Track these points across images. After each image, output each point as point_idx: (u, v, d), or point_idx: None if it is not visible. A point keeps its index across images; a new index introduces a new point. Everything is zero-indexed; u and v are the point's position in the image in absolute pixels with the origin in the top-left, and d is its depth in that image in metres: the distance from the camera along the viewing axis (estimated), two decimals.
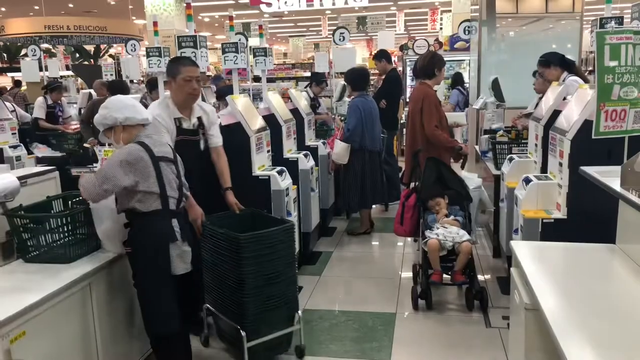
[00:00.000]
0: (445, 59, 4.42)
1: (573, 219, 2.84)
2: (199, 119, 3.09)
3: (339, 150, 4.79)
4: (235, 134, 3.49)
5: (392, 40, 8.30)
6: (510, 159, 3.78)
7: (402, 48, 10.13)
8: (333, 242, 4.90)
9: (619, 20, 3.19)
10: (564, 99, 3.47)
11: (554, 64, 4.00)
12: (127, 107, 2.39)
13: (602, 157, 2.59)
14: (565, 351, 1.47)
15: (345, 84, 5.47)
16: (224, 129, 3.35)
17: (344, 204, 5.10)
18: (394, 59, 11.85)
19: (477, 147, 5.08)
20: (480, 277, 3.83)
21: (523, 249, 2.34)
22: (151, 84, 6.68)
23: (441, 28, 16.20)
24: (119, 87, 5.43)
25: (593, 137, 2.36)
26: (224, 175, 3.11)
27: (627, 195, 1.94)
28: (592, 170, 2.35)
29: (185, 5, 4.41)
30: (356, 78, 5.00)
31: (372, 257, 4.71)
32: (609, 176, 2.19)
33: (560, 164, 2.90)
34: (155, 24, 4.65)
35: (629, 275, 2.00)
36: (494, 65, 6.44)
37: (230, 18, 4.78)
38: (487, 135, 4.64)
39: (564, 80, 3.85)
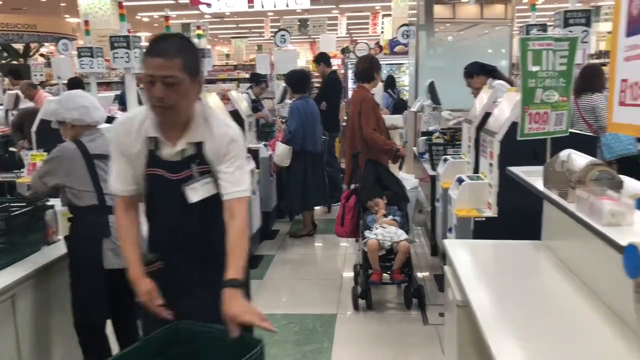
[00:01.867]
0: (385, 62, 4.51)
1: (503, 217, 2.95)
2: (198, 146, 1.78)
3: (281, 152, 4.79)
4: None
5: (333, 43, 8.40)
6: (445, 160, 3.89)
7: (344, 51, 10.25)
8: (275, 245, 4.88)
9: (543, 27, 3.36)
10: (495, 102, 3.61)
11: (476, 73, 4.22)
12: (78, 109, 2.43)
13: (529, 158, 2.72)
14: (491, 345, 1.53)
15: (286, 86, 5.47)
16: None
17: (286, 206, 5.09)
18: (337, 61, 11.98)
19: (415, 149, 5.21)
20: (419, 275, 3.93)
21: (455, 247, 2.41)
22: (70, 85, 6.42)
23: (382, 32, 16.53)
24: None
25: (518, 138, 2.47)
26: (230, 256, 1.69)
27: (548, 194, 2.04)
28: (518, 170, 2.46)
29: (122, 3, 4.25)
30: (296, 80, 5.01)
31: (314, 258, 4.73)
32: (534, 176, 2.30)
33: (491, 165, 3.02)
34: (86, 22, 4.48)
35: (553, 270, 2.10)
36: (432, 69, 6.62)
37: (167, 18, 4.66)
38: (424, 137, 4.77)
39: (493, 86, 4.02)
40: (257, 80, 6.58)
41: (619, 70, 2.01)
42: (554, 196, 1.98)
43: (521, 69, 2.38)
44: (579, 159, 1.95)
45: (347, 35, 21.07)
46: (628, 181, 2.00)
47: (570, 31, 3.07)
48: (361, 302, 3.48)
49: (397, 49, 9.15)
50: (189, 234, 1.84)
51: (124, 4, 4.65)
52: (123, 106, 6.12)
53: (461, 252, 2.36)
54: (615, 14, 2.05)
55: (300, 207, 4.96)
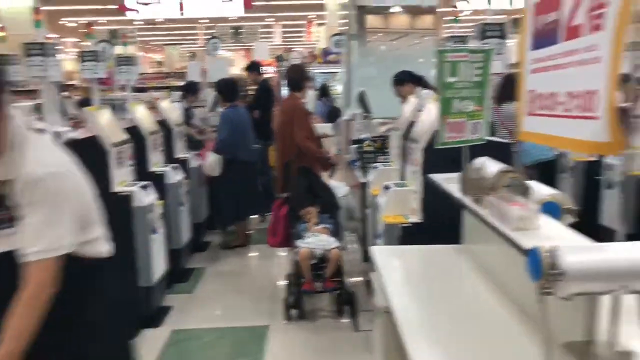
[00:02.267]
0: (319, 71, 4.58)
1: (427, 222, 3.03)
2: (9, 184, 1.47)
3: (211, 162, 4.71)
4: (91, 148, 3.25)
5: (266, 51, 8.38)
6: (375, 168, 3.97)
7: (278, 59, 10.24)
8: (207, 257, 4.77)
9: (463, 39, 3.51)
10: (420, 110, 3.72)
11: (406, 81, 4.34)
12: None
13: (450, 165, 2.82)
14: (410, 349, 1.56)
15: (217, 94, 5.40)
16: (79, 143, 3.08)
17: (218, 216, 5.00)
18: (273, 69, 11.94)
19: (347, 157, 5.28)
20: (352, 282, 3.96)
21: (381, 254, 2.45)
22: None
23: (318, 40, 16.69)
24: None
25: (436, 146, 2.55)
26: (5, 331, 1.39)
27: (464, 200, 2.12)
28: (438, 177, 2.54)
29: (39, 8, 4.03)
30: (226, 88, 4.96)
31: (248, 270, 4.67)
32: (452, 182, 2.38)
33: (415, 172, 3.10)
34: (1, 28, 4.22)
35: (471, 274, 2.18)
36: (364, 78, 6.72)
37: (88, 25, 4.48)
38: (355, 145, 4.84)
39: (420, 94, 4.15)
40: (193, 89, 6.47)
41: (527, 82, 2.13)
42: (469, 203, 2.06)
43: (439, 80, 2.46)
44: (491, 166, 2.03)
45: (284, 43, 21.13)
46: (537, 187, 2.11)
47: (486, 43, 3.23)
48: (294, 312, 3.47)
49: (330, 57, 9.26)
50: (6, 295, 1.43)
51: (45, 8, 4.43)
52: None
53: (386, 258, 2.40)
54: (522, 28, 2.18)
55: (233, 217, 4.89)
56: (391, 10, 8.70)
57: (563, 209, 2.00)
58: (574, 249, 1.30)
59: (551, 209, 1.96)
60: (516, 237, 1.60)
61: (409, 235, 3.01)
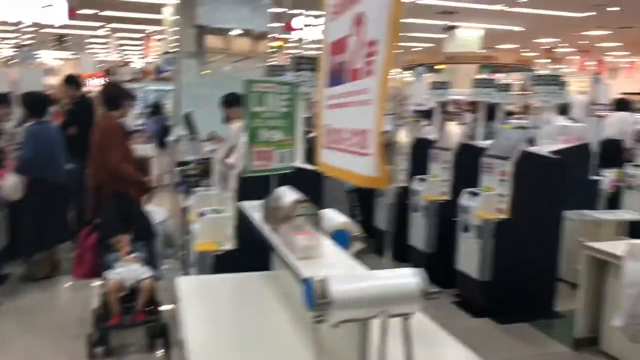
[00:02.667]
0: (153, 87, 4.36)
1: (242, 249, 3.03)
2: None
3: (11, 183, 4.17)
4: None
5: (93, 63, 7.81)
6: (196, 192, 3.87)
7: (108, 72, 9.62)
8: (3, 292, 4.17)
9: (282, 67, 3.62)
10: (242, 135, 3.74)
11: (233, 104, 4.35)
12: None
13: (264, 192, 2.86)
14: None
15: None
16: None
17: (20, 245, 4.43)
18: (103, 80, 11.16)
19: (173, 180, 5.09)
20: (173, 311, 3.78)
21: (186, 284, 2.38)
22: None
23: (158, 55, 16.09)
24: None
25: (244, 175, 2.57)
26: None
27: (262, 228, 2.15)
28: (247, 205, 2.56)
29: None
30: (33, 102, 4.48)
31: (52, 304, 4.17)
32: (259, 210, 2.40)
33: (230, 198, 3.09)
34: None
35: (274, 300, 2.20)
36: (201, 98, 6.59)
37: None
38: (180, 168, 4.69)
39: None
40: (6, 100, 5.73)
41: (323, 117, 2.26)
42: (267, 231, 2.09)
43: (247, 110, 2.49)
44: (288, 196, 2.10)
45: (121, 56, 19.97)
46: (331, 215, 2.23)
47: (298, 75, 3.38)
48: (99, 349, 3.18)
49: (165, 74, 8.98)
50: None
51: None
52: None
53: (191, 289, 2.33)
54: (321, 67, 2.31)
55: (37, 245, 4.37)
56: (230, 33, 8.76)
57: (352, 237, 2.14)
58: (341, 278, 1.37)
59: (341, 237, 2.08)
60: (298, 266, 1.66)
61: (223, 263, 2.97)
